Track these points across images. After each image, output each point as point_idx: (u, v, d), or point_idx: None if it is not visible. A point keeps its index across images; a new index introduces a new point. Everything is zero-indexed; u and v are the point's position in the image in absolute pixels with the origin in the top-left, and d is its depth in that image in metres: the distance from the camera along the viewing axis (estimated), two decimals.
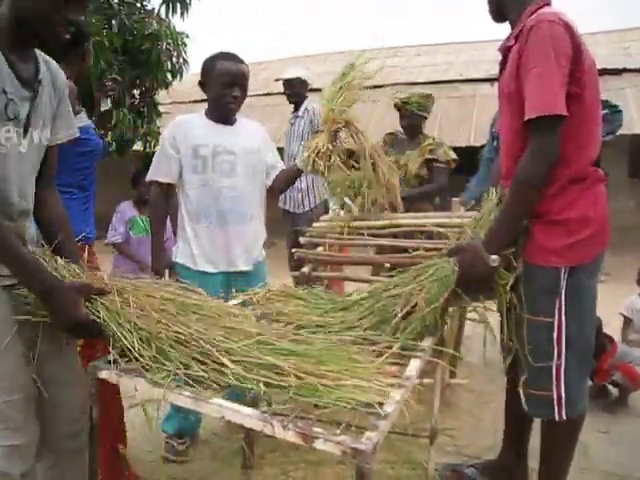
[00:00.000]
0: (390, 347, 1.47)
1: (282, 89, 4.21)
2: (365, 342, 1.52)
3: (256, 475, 2.20)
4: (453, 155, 3.63)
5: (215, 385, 1.24)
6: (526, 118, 1.62)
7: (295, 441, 1.08)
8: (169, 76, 6.75)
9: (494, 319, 1.80)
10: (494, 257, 1.64)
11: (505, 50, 1.80)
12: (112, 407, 1.87)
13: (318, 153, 2.25)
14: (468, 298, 1.69)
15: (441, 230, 2.15)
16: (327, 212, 3.40)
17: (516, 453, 2.11)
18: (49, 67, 1.51)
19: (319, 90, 2.64)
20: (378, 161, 2.42)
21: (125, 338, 1.30)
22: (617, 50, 9.17)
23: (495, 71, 2.10)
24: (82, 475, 1.54)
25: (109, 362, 1.34)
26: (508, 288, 1.69)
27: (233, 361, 1.26)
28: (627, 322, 3.37)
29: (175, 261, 2.38)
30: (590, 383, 2.73)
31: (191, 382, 1.24)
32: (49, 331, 1.43)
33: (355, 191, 2.46)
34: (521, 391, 1.75)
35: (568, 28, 1.61)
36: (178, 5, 6.36)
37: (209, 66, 2.31)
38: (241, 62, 2.31)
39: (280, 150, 2.62)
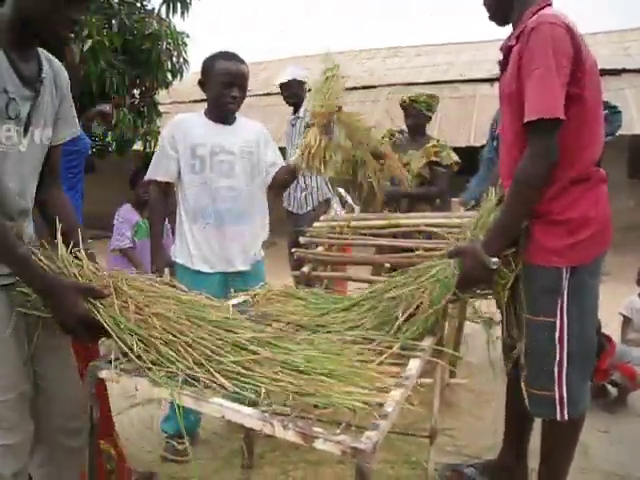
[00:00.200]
0: (390, 347, 1.47)
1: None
2: (365, 342, 1.52)
3: (256, 475, 2.20)
4: (456, 158, 3.63)
5: (215, 385, 1.24)
6: (526, 120, 1.61)
7: (295, 441, 1.08)
8: (169, 76, 6.74)
9: (494, 319, 1.80)
10: (494, 260, 1.64)
11: (506, 49, 1.80)
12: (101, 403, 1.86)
13: (311, 150, 2.18)
14: (465, 295, 1.70)
15: (441, 230, 2.15)
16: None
17: (516, 453, 2.11)
18: (52, 66, 1.51)
19: None
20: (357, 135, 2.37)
21: (124, 342, 1.30)
22: (617, 50, 9.18)
23: (495, 71, 2.10)
24: (78, 474, 1.55)
25: (109, 362, 1.34)
26: (507, 287, 1.69)
27: (228, 372, 1.25)
28: (626, 321, 3.37)
29: (174, 260, 2.37)
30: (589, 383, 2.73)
31: (191, 380, 1.24)
32: (46, 328, 1.43)
33: (351, 175, 2.42)
34: (523, 391, 1.75)
35: (569, 30, 1.62)
36: (178, 5, 6.36)
37: (209, 66, 2.31)
38: (241, 62, 2.30)
39: (281, 150, 2.60)
